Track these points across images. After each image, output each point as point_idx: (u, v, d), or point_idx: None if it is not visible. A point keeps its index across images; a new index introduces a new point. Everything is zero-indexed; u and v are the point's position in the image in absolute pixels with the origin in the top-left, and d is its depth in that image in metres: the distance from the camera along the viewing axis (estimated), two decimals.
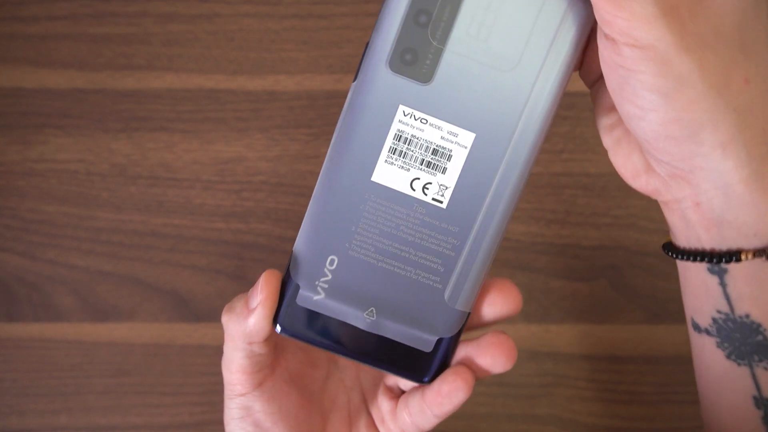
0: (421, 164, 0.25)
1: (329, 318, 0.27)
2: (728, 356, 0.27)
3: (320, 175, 0.26)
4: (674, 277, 0.44)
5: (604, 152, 0.46)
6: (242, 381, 0.28)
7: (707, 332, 0.27)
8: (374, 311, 0.26)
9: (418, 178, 0.25)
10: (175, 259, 0.44)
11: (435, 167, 0.25)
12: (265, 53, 0.45)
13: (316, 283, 0.26)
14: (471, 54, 0.24)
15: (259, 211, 0.44)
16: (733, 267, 0.24)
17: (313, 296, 0.26)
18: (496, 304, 0.27)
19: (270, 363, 0.29)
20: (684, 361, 0.44)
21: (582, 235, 0.44)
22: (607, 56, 0.22)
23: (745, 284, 0.25)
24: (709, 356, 0.27)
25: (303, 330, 0.27)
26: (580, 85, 0.45)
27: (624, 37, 0.21)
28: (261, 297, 0.26)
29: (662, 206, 0.26)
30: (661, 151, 0.23)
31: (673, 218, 0.26)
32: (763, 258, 0.23)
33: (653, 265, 0.44)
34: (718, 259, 0.24)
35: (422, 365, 0.27)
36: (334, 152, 0.25)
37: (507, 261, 0.44)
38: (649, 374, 0.44)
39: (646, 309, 0.44)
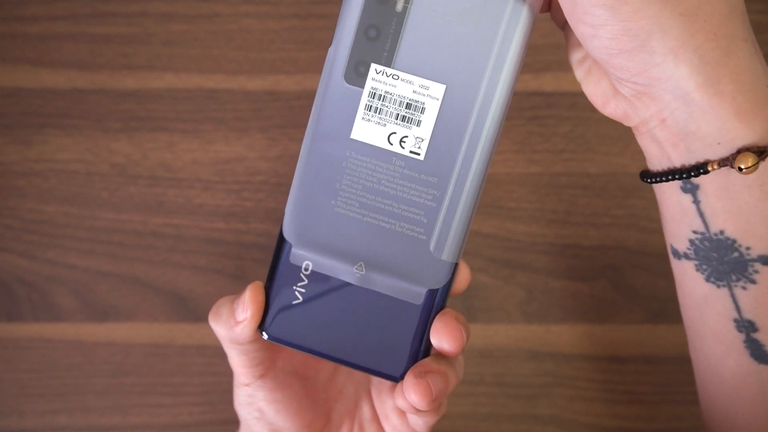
0: (397, 119, 0.26)
1: (312, 323, 0.28)
2: (707, 279, 0.27)
3: (303, 138, 0.27)
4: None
5: (605, 152, 0.46)
6: (243, 373, 0.29)
7: (686, 256, 0.27)
8: (363, 266, 0.27)
9: (395, 133, 0.26)
10: (175, 259, 0.44)
11: (410, 120, 0.26)
12: (265, 53, 0.45)
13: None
14: (436, 9, 0.25)
15: (259, 211, 0.44)
16: (704, 181, 0.24)
17: (306, 253, 0.27)
18: (439, 337, 0.27)
19: (269, 357, 0.29)
20: (684, 361, 0.44)
21: (582, 235, 0.44)
22: None
23: (716, 198, 0.25)
24: (689, 282, 0.28)
25: (287, 336, 0.28)
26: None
27: None
28: (248, 313, 0.27)
29: (635, 134, 0.27)
30: (618, 68, 0.24)
31: (645, 143, 0.26)
32: (728, 167, 0.23)
33: (653, 265, 0.44)
34: (687, 174, 0.24)
35: (394, 363, 0.28)
36: (314, 116, 0.27)
37: (507, 261, 0.44)
38: (649, 374, 0.44)
39: (646, 309, 0.44)
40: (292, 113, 0.45)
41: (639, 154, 0.44)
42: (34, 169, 0.45)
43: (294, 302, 0.28)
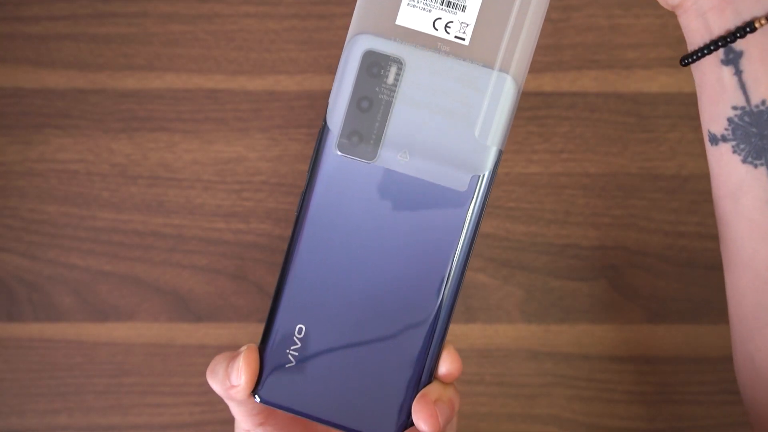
0: (442, 4, 0.26)
1: (305, 387, 0.28)
2: (744, 160, 0.27)
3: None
4: (674, 277, 0.44)
5: (604, 152, 0.46)
6: (244, 420, 0.29)
7: (723, 139, 0.27)
8: (407, 153, 0.27)
9: (440, 18, 0.26)
10: (175, 259, 0.44)
11: (455, 6, 0.27)
12: (266, 53, 0.45)
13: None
14: None
15: (260, 211, 0.44)
16: (748, 45, 0.25)
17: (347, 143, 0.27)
18: (417, 417, 0.27)
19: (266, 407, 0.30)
20: (684, 361, 0.44)
21: (582, 235, 0.44)
22: None
23: (760, 64, 0.25)
24: (725, 168, 0.28)
25: (280, 399, 0.28)
26: (579, 85, 0.45)
27: None
28: (242, 380, 0.27)
29: (679, 15, 0.27)
30: None
31: (688, 21, 0.27)
32: None
33: (653, 265, 0.44)
34: (732, 37, 0.25)
35: (385, 427, 0.28)
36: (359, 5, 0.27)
37: (507, 261, 0.44)
38: (649, 374, 0.44)
39: (646, 309, 0.44)
40: (292, 113, 0.45)
41: (638, 154, 0.44)
42: (34, 169, 0.45)
43: (287, 365, 0.28)
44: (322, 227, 0.27)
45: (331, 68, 0.45)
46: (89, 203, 0.44)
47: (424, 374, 0.28)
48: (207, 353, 0.44)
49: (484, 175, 0.27)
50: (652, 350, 0.44)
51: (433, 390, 0.27)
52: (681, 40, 0.45)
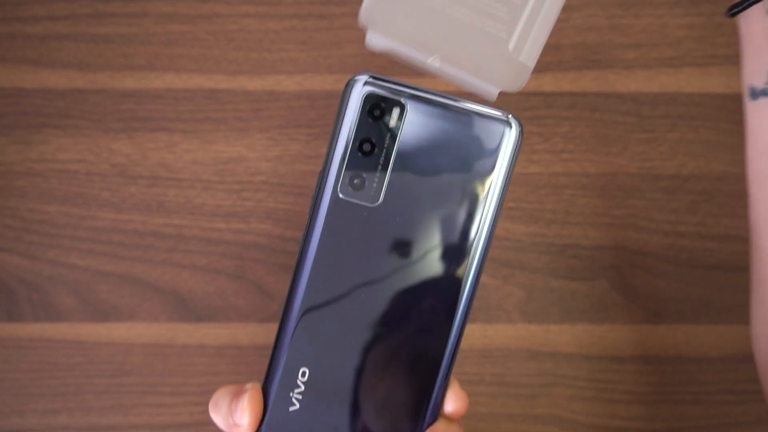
0: None
1: (311, 429, 0.27)
2: None
3: None
4: (674, 277, 0.44)
5: (604, 152, 0.46)
6: None
7: (764, 93, 0.27)
8: (439, 58, 0.27)
9: None
10: (175, 259, 0.44)
11: None
12: (266, 53, 0.45)
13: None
14: None
15: (260, 211, 0.44)
16: None
17: (386, 41, 0.27)
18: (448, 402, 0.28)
19: None
20: (684, 361, 0.44)
21: (582, 235, 0.44)
22: None
23: None
24: (764, 122, 0.28)
25: None
26: (579, 85, 0.45)
27: None
28: (245, 420, 0.27)
29: None
30: None
31: None
32: None
33: (653, 265, 0.44)
34: None
35: None
36: None
37: (507, 261, 0.44)
38: (649, 374, 0.44)
39: (646, 309, 0.44)
40: (292, 113, 0.45)
41: (638, 154, 0.44)
42: (34, 169, 0.45)
43: (291, 408, 0.27)
44: (327, 269, 0.27)
45: (331, 68, 0.45)
46: (89, 203, 0.44)
47: (429, 413, 0.27)
48: (207, 353, 0.44)
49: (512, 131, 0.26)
50: (652, 350, 0.44)
51: (439, 428, 0.27)
52: (681, 39, 0.45)
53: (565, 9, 0.45)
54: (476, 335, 0.44)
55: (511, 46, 0.26)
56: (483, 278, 0.44)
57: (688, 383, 0.44)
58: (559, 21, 0.45)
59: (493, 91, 0.27)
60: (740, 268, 0.44)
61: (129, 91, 0.45)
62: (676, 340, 0.44)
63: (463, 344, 0.44)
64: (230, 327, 0.44)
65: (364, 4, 0.26)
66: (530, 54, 0.26)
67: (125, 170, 0.45)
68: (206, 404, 0.44)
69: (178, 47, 0.45)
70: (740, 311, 0.44)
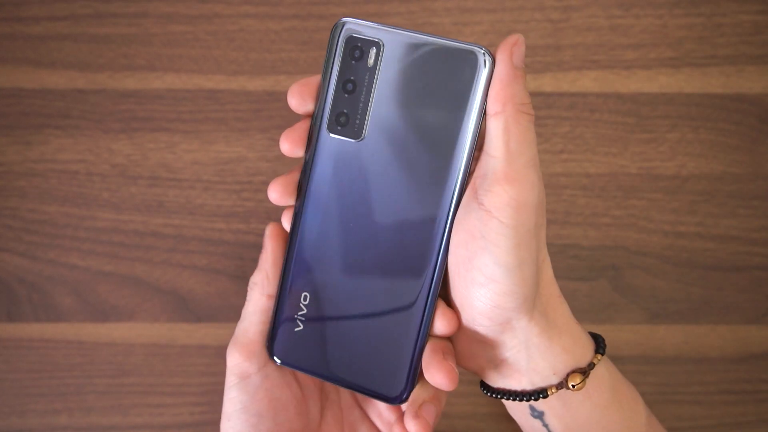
0: None
1: (314, 349, 0.30)
2: None
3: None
4: (674, 277, 0.44)
5: (604, 152, 0.46)
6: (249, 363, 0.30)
7: None
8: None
9: None
10: (175, 259, 0.44)
11: None
12: (266, 53, 0.45)
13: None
14: None
15: (260, 211, 0.45)
16: (547, 406, 0.29)
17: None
18: (432, 375, 0.28)
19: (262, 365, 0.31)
20: (684, 361, 0.44)
21: (582, 235, 0.44)
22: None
23: (558, 419, 0.29)
24: None
25: (296, 361, 0.30)
26: (580, 86, 0.45)
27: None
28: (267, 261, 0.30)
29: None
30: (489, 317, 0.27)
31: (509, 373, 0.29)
32: (563, 388, 0.28)
33: (653, 265, 0.44)
34: (532, 396, 0.29)
35: (392, 386, 0.29)
36: None
37: None
38: (649, 374, 0.44)
39: (646, 309, 0.44)
40: (292, 113, 0.45)
41: (638, 154, 0.44)
42: (34, 169, 0.45)
43: (296, 329, 0.30)
44: (322, 202, 0.29)
45: None
46: (89, 203, 0.44)
47: (420, 335, 0.29)
48: (207, 353, 0.44)
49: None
50: (652, 350, 0.44)
51: (438, 346, 0.28)
52: (681, 40, 0.45)
53: (565, 9, 0.45)
54: None
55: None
56: None
57: (688, 383, 0.44)
58: (559, 21, 0.45)
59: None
60: (740, 268, 0.44)
61: (129, 92, 0.45)
62: (676, 340, 0.44)
63: None
64: (230, 327, 0.44)
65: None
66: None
67: (125, 170, 0.45)
68: (206, 404, 0.44)
69: (178, 47, 0.45)
70: (740, 311, 0.44)
